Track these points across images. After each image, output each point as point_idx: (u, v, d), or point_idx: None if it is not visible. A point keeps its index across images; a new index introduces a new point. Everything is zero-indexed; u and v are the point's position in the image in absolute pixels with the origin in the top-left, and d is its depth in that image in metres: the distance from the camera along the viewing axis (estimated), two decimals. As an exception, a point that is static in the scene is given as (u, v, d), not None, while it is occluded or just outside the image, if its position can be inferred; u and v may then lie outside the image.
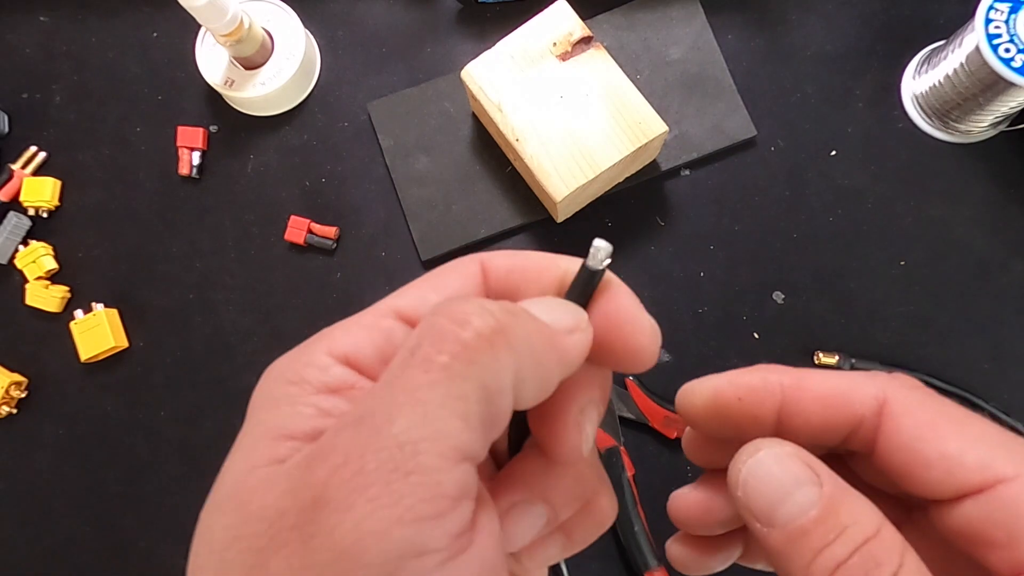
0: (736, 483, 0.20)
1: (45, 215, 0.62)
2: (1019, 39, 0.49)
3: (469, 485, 0.16)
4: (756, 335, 0.57)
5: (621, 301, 0.21)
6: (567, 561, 0.55)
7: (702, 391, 0.23)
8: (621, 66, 0.53)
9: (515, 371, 0.18)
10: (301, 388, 0.19)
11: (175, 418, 0.60)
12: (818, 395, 0.22)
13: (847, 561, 0.18)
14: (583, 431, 0.20)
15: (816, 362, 0.56)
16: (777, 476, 0.20)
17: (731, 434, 0.23)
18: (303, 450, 0.17)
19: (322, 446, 0.17)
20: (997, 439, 0.20)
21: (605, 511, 0.23)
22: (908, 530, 0.22)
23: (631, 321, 0.21)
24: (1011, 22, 0.49)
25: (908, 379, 0.22)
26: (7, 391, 0.59)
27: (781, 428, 0.22)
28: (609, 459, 0.54)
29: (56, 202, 0.62)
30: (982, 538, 0.19)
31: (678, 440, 0.55)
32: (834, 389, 0.22)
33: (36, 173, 0.63)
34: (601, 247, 0.21)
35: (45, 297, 0.60)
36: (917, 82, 0.59)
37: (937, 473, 0.20)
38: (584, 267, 0.21)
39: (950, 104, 0.56)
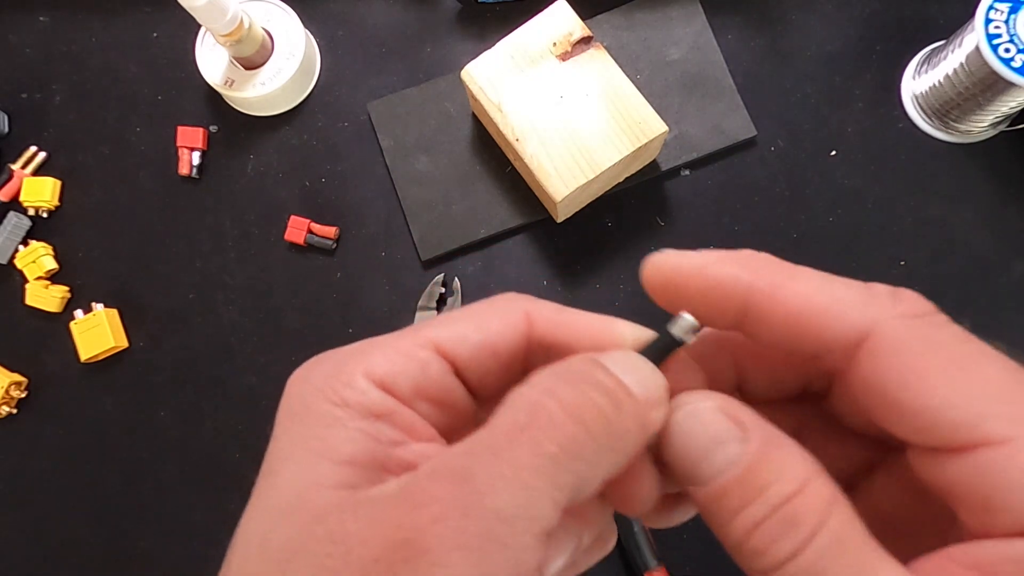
0: (663, 441, 0.20)
1: (45, 215, 0.62)
2: (1019, 39, 0.49)
3: (546, 557, 0.18)
4: (756, 335, 0.57)
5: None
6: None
7: (668, 269, 0.21)
8: (621, 66, 0.53)
9: (610, 463, 0.19)
10: (346, 411, 0.19)
11: (175, 418, 0.60)
12: (788, 312, 0.19)
13: (763, 522, 0.17)
14: (653, 487, 0.21)
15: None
16: (698, 434, 0.19)
17: (691, 313, 0.22)
18: (374, 481, 0.18)
19: (415, 491, 0.17)
20: (1000, 392, 0.18)
21: (610, 539, 0.24)
22: (882, 473, 0.22)
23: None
24: (1011, 22, 0.49)
25: (917, 303, 0.19)
26: (7, 391, 0.59)
27: (744, 327, 0.21)
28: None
29: (56, 202, 0.62)
30: (955, 496, 0.18)
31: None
32: (810, 311, 0.19)
33: (36, 173, 0.63)
34: (690, 319, 0.21)
35: (45, 297, 0.60)
36: (917, 82, 0.59)
37: (913, 423, 0.18)
38: (668, 334, 0.21)
39: (950, 104, 0.56)
